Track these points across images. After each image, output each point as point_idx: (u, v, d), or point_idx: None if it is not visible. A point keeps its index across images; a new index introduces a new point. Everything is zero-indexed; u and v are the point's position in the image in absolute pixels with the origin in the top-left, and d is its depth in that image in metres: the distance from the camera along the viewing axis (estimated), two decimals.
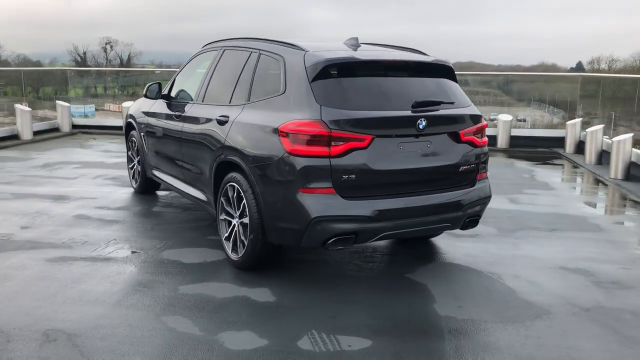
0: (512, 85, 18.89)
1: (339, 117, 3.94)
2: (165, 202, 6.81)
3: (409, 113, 4.13)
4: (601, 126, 10.37)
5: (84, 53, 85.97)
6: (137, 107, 6.95)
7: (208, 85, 5.35)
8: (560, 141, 11.94)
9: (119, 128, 12.75)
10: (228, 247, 4.66)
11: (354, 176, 3.97)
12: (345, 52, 4.31)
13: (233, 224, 4.57)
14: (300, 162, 3.90)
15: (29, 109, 11.79)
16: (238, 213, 4.48)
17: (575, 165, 10.28)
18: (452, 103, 4.43)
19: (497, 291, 4.31)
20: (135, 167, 7.16)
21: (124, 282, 4.29)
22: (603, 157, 10.11)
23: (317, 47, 4.46)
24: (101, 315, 3.73)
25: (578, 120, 11.69)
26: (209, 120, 4.97)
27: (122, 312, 3.78)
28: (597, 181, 8.91)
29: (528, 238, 5.65)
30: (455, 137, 4.40)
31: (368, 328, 3.63)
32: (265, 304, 3.96)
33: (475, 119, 4.53)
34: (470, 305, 4.01)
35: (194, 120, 5.28)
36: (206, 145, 4.96)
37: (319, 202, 3.92)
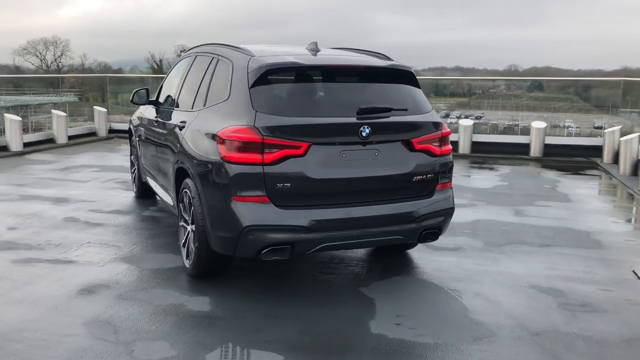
0: (591, 91, 17.86)
1: (273, 124, 3.82)
2: (159, 207, 6.87)
3: (351, 120, 3.96)
4: (637, 134, 9.69)
5: (160, 60, 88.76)
6: (137, 112, 7.07)
7: (180, 91, 5.36)
8: (600, 150, 11.26)
9: None
10: (183, 254, 4.63)
11: (289, 185, 3.84)
12: (290, 57, 4.19)
13: (188, 230, 4.54)
14: (233, 169, 3.81)
15: (64, 114, 12.27)
16: (190, 219, 4.44)
17: (608, 176, 9.65)
18: (405, 110, 4.22)
19: (448, 309, 4.05)
20: (135, 171, 7.28)
21: (72, 286, 4.33)
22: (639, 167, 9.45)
23: (267, 51, 4.37)
24: (32, 318, 3.77)
25: (617, 128, 10.97)
26: (174, 126, 4.97)
27: (52, 316, 3.81)
28: (624, 193, 8.32)
29: (513, 253, 5.31)
30: (408, 146, 4.18)
31: (287, 343, 3.49)
32: (196, 313, 3.88)
33: (434, 126, 4.30)
34: (410, 324, 3.79)
35: (165, 126, 5.30)
36: (170, 150, 4.97)
37: (251, 211, 3.82)
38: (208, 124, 4.22)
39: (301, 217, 3.85)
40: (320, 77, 4.29)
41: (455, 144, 11.87)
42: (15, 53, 65.48)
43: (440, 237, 5.03)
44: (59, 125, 12.04)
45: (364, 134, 3.95)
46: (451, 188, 4.50)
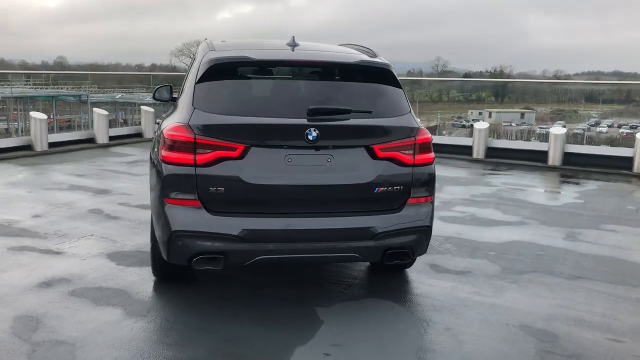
0: None
1: (207, 122, 3.53)
2: None
3: (298, 121, 3.56)
4: None
5: None
6: None
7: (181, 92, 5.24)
8: None
9: None
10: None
11: (223, 189, 3.53)
12: (243, 52, 3.86)
13: None
14: (166, 170, 3.58)
15: (152, 110, 12.85)
16: None
17: None
18: (369, 112, 3.72)
19: (398, 344, 3.50)
20: None
21: (38, 277, 4.36)
22: None
23: (232, 46, 4.09)
24: None
25: None
26: (158, 126, 4.86)
27: None
28: None
29: (528, 284, 4.55)
30: (371, 153, 3.68)
31: None
32: (127, 319, 3.71)
33: (406, 132, 3.75)
34: (341, 356, 3.31)
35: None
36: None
37: (181, 215, 3.56)
38: (164, 123, 4.04)
39: (234, 225, 3.52)
40: (277, 74, 3.93)
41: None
42: (172, 54, 71.67)
43: (453, 258, 4.49)
44: (147, 120, 12.62)
45: (310, 137, 3.53)
46: (431, 203, 3.90)
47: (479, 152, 11.23)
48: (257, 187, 3.53)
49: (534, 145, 12.98)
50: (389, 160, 3.70)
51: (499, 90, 41.61)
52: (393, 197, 3.74)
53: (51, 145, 10.66)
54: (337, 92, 3.82)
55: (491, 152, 11.36)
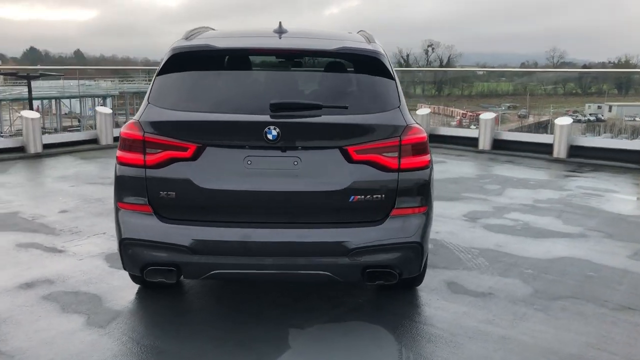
0: None
1: (158, 119, 3.17)
2: None
3: (259, 118, 3.11)
4: None
5: (407, 55, 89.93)
6: None
7: None
8: None
9: None
10: None
11: (174, 194, 3.16)
12: (207, 40, 3.45)
13: None
14: (119, 171, 3.27)
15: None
16: None
17: None
18: (344, 107, 3.18)
19: None
20: None
21: (26, 277, 4.25)
22: None
23: (208, 35, 3.70)
24: None
25: None
26: None
27: None
28: None
29: (560, 312, 3.80)
30: (346, 155, 3.15)
31: None
32: (83, 330, 3.45)
33: (390, 130, 3.18)
34: None
35: None
36: None
37: (131, 221, 3.24)
38: None
39: (185, 235, 3.14)
40: (243, 65, 3.48)
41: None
42: None
43: (479, 275, 3.90)
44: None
45: (269, 136, 3.06)
46: (423, 215, 3.30)
47: (559, 151, 10.13)
48: (210, 193, 3.12)
49: (633, 144, 11.56)
50: (366, 164, 3.15)
51: (623, 82, 38.46)
52: (372, 208, 3.19)
53: (116, 139, 10.88)
54: (311, 84, 3.32)
55: (576, 151, 10.21)
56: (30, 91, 21.70)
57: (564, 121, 10.25)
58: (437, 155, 10.62)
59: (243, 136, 3.13)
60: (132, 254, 3.23)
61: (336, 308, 3.78)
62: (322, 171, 3.15)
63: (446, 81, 24.38)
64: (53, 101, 34.20)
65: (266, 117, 3.09)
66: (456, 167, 9.41)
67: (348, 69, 3.44)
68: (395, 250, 3.22)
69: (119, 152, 3.26)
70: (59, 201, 6.55)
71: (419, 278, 4.00)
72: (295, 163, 3.12)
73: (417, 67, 65.37)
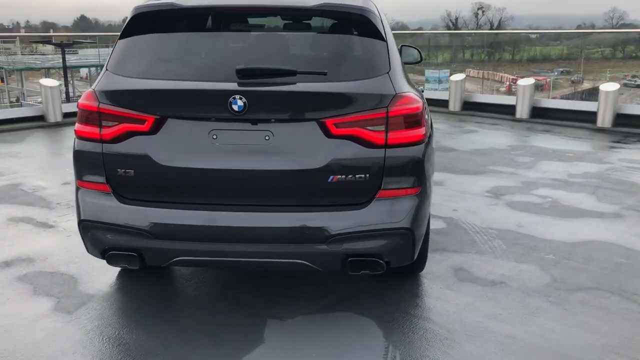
0: None
1: (113, 88, 2.84)
2: None
3: (225, 86, 2.73)
4: None
5: (456, 19, 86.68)
6: None
7: None
8: None
9: None
10: None
11: (132, 172, 2.84)
12: None
13: None
14: (77, 145, 2.98)
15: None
16: None
17: None
18: (323, 74, 2.76)
19: None
20: None
21: (5, 256, 4.06)
22: None
23: None
24: None
25: None
26: None
27: None
28: None
29: (578, 307, 3.36)
30: (324, 129, 2.75)
31: None
32: (32, 318, 3.22)
33: (376, 100, 2.76)
34: None
35: None
36: None
37: (89, 201, 2.95)
38: None
39: (145, 217, 2.83)
40: (214, 26, 3.09)
41: None
42: None
43: (492, 261, 3.53)
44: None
45: (235, 107, 2.68)
46: (416, 197, 2.88)
47: (604, 120, 9.39)
48: (171, 171, 2.78)
49: None
50: (347, 139, 2.74)
51: None
52: (355, 189, 2.79)
53: None
54: (287, 47, 2.91)
55: (623, 119, 9.44)
56: (64, 59, 21.82)
57: (609, 87, 9.46)
58: (469, 124, 10.03)
59: (207, 107, 2.76)
60: (91, 237, 2.94)
61: (326, 297, 3.43)
62: (297, 147, 2.77)
63: (496, 45, 23.23)
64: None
65: (231, 85, 2.71)
66: (487, 137, 8.83)
67: (331, 30, 3.01)
68: (381, 237, 2.82)
69: (76, 125, 2.95)
70: (65, 172, 6.37)
71: (420, 264, 3.60)
72: (267, 138, 2.74)
73: (466, 30, 63.07)
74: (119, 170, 2.84)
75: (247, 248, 2.81)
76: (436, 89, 15.04)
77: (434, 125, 3.58)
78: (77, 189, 3.00)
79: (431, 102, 11.86)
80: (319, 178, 2.76)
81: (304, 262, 2.84)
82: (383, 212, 2.81)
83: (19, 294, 3.46)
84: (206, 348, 2.89)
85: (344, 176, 2.76)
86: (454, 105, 11.17)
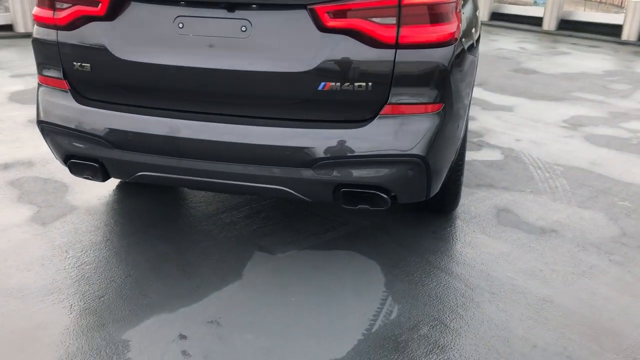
0: None
1: None
2: None
3: None
4: None
5: None
6: None
7: None
8: None
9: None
10: None
11: (88, 66, 2.36)
12: None
13: None
14: (34, 32, 2.53)
15: None
16: None
17: None
18: None
19: (310, 340, 2.13)
20: None
21: (10, 157, 3.81)
22: None
23: None
24: None
25: None
26: None
27: None
28: None
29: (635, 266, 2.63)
30: (315, 20, 2.12)
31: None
32: (3, 227, 2.93)
33: None
34: (203, 345, 2.10)
35: None
36: None
37: (47, 100, 2.53)
38: None
39: (103, 123, 2.38)
40: None
41: None
42: None
43: (549, 203, 2.99)
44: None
45: None
46: (434, 116, 2.21)
47: None
48: (130, 67, 2.28)
49: None
50: (345, 33, 2.10)
51: None
52: (353, 102, 2.17)
53: None
54: None
55: None
56: None
57: None
58: (562, 46, 8.80)
59: None
60: (50, 141, 2.55)
61: (332, 230, 2.90)
62: (280, 43, 2.16)
63: None
64: None
65: None
66: (580, 60, 7.67)
67: None
68: (383, 164, 2.22)
69: (34, 9, 2.48)
70: None
71: (450, 202, 2.97)
72: (244, 29, 2.15)
73: None
74: (74, 63, 2.37)
75: (218, 167, 2.30)
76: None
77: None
78: (38, 85, 2.58)
79: (522, 19, 10.57)
80: (307, 84, 2.16)
81: (285, 188, 2.30)
82: (388, 134, 2.18)
83: (1, 200, 3.18)
84: (172, 278, 2.47)
85: (338, 83, 2.13)
86: (549, 24, 9.86)
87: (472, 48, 2.57)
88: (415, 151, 2.19)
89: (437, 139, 2.23)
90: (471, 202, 3.24)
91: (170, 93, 2.30)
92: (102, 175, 2.49)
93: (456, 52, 2.22)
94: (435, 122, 2.21)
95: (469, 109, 2.72)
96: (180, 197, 3.27)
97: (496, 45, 8.73)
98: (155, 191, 3.29)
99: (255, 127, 2.23)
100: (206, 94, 2.26)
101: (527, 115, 5.02)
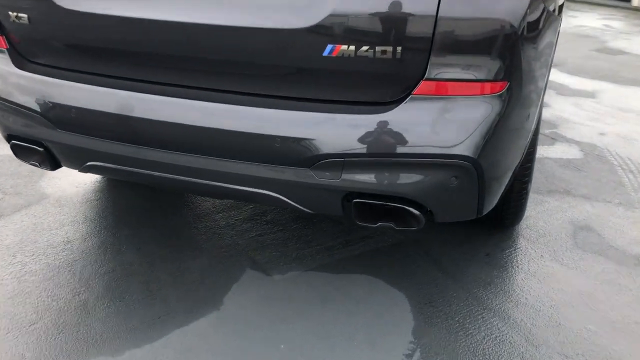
0: None
1: None
2: None
3: None
4: None
5: None
6: None
7: None
8: None
9: None
10: None
11: (26, 17, 1.77)
12: None
13: None
14: None
15: None
16: None
17: None
18: None
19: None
20: None
21: None
22: None
23: None
24: None
25: None
26: None
27: None
28: None
29: None
30: None
31: None
32: None
33: None
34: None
35: None
36: None
37: None
38: None
39: (44, 93, 1.79)
40: None
41: None
42: None
43: (634, 221, 2.24)
44: None
45: None
46: (494, 100, 1.49)
47: None
48: (74, 18, 1.66)
49: None
50: None
51: None
52: (373, 74, 1.48)
53: None
54: None
55: None
56: None
57: None
58: None
59: None
60: None
61: (350, 245, 2.23)
62: None
63: None
64: None
65: None
66: None
67: None
68: (414, 168, 1.52)
69: None
70: None
71: (512, 215, 2.23)
72: None
73: None
74: (10, 13, 1.77)
75: (186, 161, 1.66)
76: None
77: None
78: None
79: None
80: (306, 47, 1.48)
81: (276, 195, 1.64)
82: (423, 123, 1.49)
83: None
84: (130, 301, 1.87)
85: (352, 47, 1.44)
86: None
87: (555, 9, 1.82)
88: (462, 151, 1.48)
89: (496, 134, 1.51)
90: (539, 215, 2.49)
91: (125, 56, 1.68)
92: (50, 162, 1.91)
93: (532, 7, 1.48)
94: (495, 109, 1.48)
95: (544, 93, 1.97)
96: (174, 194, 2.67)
97: (576, 22, 7.70)
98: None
99: (233, 106, 1.58)
100: (171, 59, 1.63)
101: (613, 104, 4.15)
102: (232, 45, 1.53)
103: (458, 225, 2.36)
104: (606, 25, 7.55)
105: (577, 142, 3.37)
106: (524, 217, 2.39)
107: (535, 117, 1.83)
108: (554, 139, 3.39)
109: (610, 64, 5.29)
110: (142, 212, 2.44)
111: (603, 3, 9.21)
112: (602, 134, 3.52)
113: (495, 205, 1.76)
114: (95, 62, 1.72)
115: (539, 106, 1.87)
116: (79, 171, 1.91)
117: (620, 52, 5.89)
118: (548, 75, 2.01)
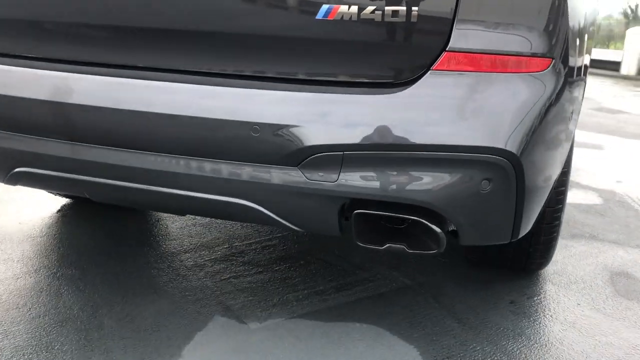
0: None
1: None
2: None
3: None
4: None
5: (636, 7, 77.67)
6: None
7: None
8: None
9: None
10: None
11: None
12: None
13: None
14: None
15: None
16: None
17: None
18: None
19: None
20: None
21: None
22: None
23: None
24: None
25: None
26: None
27: None
28: None
29: None
30: None
31: None
32: None
33: None
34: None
35: None
36: None
37: None
38: None
39: None
40: None
41: None
42: None
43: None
44: None
45: None
46: (535, 79, 1.14)
47: None
48: None
49: None
50: None
51: None
52: (381, 44, 1.13)
53: None
54: None
55: None
56: None
57: None
58: None
59: None
60: None
61: (346, 289, 1.82)
62: None
63: None
64: None
65: None
66: None
67: None
68: (434, 166, 1.15)
69: None
70: None
71: (539, 254, 1.84)
72: None
73: None
74: None
75: (140, 161, 1.28)
76: None
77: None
78: None
79: (598, 63, 9.42)
80: (296, 8, 1.14)
81: (254, 205, 1.25)
82: (445, 107, 1.13)
83: None
84: (56, 358, 1.43)
85: (354, 7, 1.11)
86: (628, 68, 8.68)
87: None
88: (498, 144, 1.12)
89: (542, 125, 1.15)
90: (567, 259, 2.11)
91: (54, 27, 1.33)
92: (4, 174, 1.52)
93: None
94: (540, 91, 1.14)
95: (584, 88, 1.64)
96: (146, 216, 2.27)
97: None
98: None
99: (196, 86, 1.22)
100: (116, 28, 1.28)
101: (624, 154, 3.87)
102: (197, 7, 1.20)
103: (471, 268, 1.97)
104: (600, 90, 7.48)
105: (594, 189, 3.05)
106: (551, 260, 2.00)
107: (577, 115, 1.49)
108: (569, 186, 3.06)
109: (612, 121, 5.10)
110: (95, 250, 2.03)
111: (592, 72, 9.23)
112: (618, 181, 3.21)
113: (520, 239, 1.38)
114: (12, 33, 1.37)
115: (579, 112, 1.54)
116: (5, 183, 1.52)
117: (620, 112, 5.74)
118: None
